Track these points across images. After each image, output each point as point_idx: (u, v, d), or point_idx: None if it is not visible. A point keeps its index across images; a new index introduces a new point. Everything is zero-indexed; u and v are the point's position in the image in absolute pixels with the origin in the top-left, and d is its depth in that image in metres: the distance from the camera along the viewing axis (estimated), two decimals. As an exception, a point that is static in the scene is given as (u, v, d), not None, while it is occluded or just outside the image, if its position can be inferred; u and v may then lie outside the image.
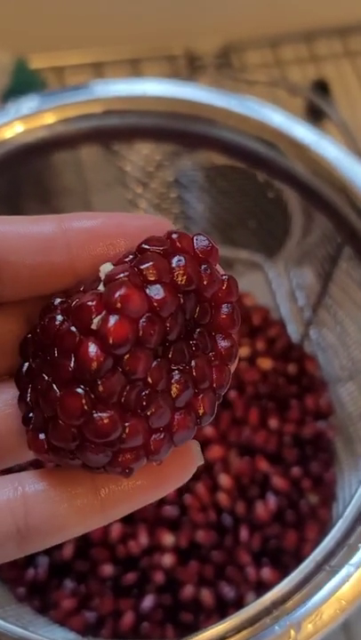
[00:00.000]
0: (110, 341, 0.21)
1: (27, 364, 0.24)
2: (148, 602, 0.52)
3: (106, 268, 0.22)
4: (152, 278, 0.22)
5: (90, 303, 0.21)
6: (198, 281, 0.23)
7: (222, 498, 0.54)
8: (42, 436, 0.23)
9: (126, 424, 0.22)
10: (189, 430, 0.24)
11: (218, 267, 0.24)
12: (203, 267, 0.23)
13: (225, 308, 0.24)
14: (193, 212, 0.61)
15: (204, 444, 0.55)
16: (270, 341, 0.61)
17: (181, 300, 0.22)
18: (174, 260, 0.22)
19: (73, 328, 0.21)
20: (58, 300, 0.23)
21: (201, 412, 0.24)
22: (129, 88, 0.52)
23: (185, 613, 0.52)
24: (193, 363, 0.23)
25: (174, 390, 0.23)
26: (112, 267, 0.22)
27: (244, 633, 0.40)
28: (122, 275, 0.21)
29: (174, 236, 0.23)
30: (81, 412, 0.21)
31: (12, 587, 0.53)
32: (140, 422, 0.22)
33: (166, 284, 0.22)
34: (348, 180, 0.49)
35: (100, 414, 0.21)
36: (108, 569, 0.53)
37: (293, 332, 0.63)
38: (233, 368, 0.25)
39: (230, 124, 0.50)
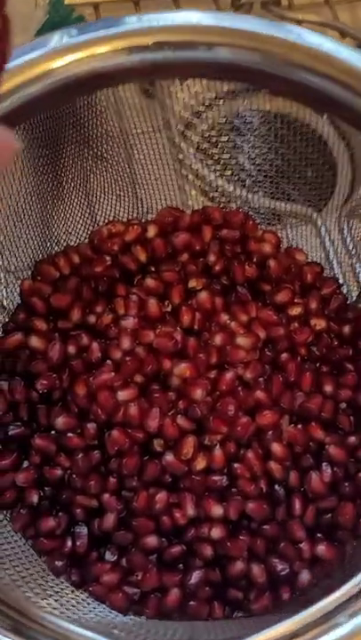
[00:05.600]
0: None
1: None
2: (194, 577, 0.49)
3: None
4: None
5: None
6: None
7: (274, 467, 0.51)
8: None
9: None
10: None
11: None
12: None
13: None
14: (244, 159, 0.56)
15: (255, 410, 0.52)
16: (324, 300, 0.57)
17: None
18: None
19: None
20: None
21: None
22: (182, 17, 0.47)
23: (234, 590, 0.49)
24: None
25: None
26: None
27: (318, 630, 0.36)
28: None
29: None
30: None
31: (49, 559, 0.50)
32: None
33: None
34: None
35: None
36: (151, 541, 0.50)
37: (349, 290, 0.59)
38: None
39: (296, 58, 0.45)
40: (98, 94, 0.51)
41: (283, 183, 0.56)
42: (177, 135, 0.56)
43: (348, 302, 0.59)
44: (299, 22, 0.73)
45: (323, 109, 0.48)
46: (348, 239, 0.60)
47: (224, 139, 0.56)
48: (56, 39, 0.46)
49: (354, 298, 0.58)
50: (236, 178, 0.58)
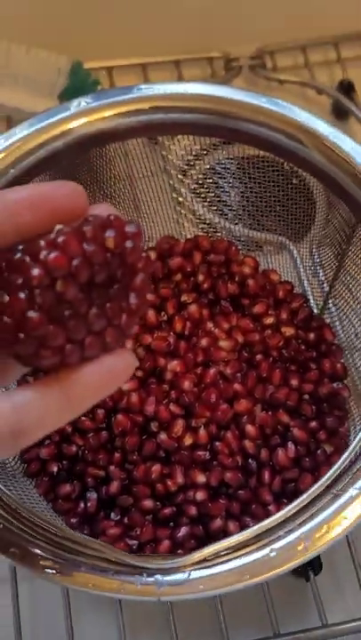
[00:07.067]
0: (50, 266, 0.28)
1: None
2: (182, 532, 0.58)
3: (58, 226, 0.29)
4: (89, 237, 0.29)
5: (41, 243, 0.29)
6: (123, 249, 0.30)
7: (248, 445, 0.60)
8: None
9: (50, 327, 0.29)
10: (97, 349, 0.31)
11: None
12: (128, 241, 0.30)
13: (140, 276, 0.31)
14: (227, 197, 0.69)
15: (233, 399, 0.62)
16: (293, 312, 0.68)
17: (108, 257, 0.30)
18: (108, 232, 0.30)
19: (27, 258, 0.29)
20: (20, 246, 0.29)
21: (108, 340, 0.31)
22: (172, 87, 0.60)
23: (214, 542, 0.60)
24: (109, 305, 0.31)
25: (91, 317, 0.30)
26: (62, 226, 0.30)
27: (262, 542, 0.48)
28: (68, 229, 0.29)
29: (112, 217, 0.31)
30: (21, 310, 0.28)
31: (66, 517, 0.60)
32: (60, 329, 0.29)
33: (98, 243, 0.29)
34: (362, 168, 0.56)
35: (33, 313, 0.28)
36: (148, 503, 0.59)
37: (314, 304, 0.70)
38: (137, 318, 0.32)
39: (259, 119, 0.58)
40: (108, 146, 0.63)
41: (258, 217, 0.68)
42: (173, 179, 0.69)
43: (313, 314, 0.69)
44: (281, 82, 0.86)
45: (288, 161, 0.60)
46: (317, 263, 0.72)
47: (210, 181, 0.68)
48: (75, 104, 0.58)
49: (318, 310, 0.70)
50: (220, 212, 0.70)
